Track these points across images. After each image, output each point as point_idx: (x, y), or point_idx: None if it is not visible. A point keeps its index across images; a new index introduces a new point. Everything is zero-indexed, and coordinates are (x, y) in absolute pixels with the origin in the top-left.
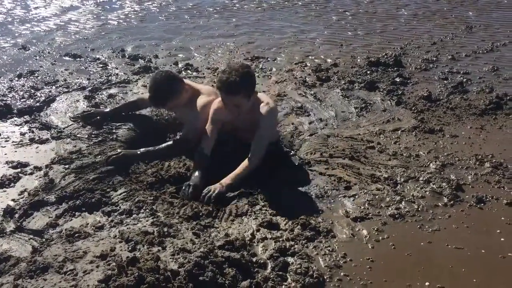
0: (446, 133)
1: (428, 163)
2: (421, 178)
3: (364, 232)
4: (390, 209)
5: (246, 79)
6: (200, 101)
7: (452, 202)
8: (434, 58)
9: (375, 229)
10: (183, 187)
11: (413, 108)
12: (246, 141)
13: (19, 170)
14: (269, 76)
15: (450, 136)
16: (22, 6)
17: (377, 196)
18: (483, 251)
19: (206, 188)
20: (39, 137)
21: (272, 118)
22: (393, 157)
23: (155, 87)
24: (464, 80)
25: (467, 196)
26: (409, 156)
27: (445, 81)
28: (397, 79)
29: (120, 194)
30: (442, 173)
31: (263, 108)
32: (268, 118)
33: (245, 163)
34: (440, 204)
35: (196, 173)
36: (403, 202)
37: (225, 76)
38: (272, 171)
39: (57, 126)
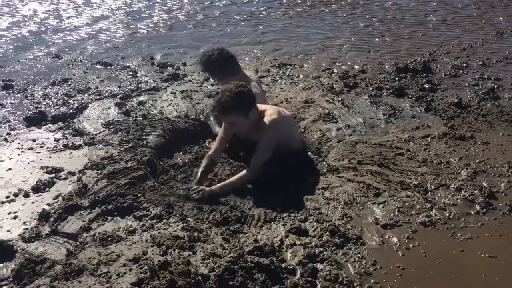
0: (477, 140)
1: (460, 170)
2: (452, 186)
3: (394, 239)
4: (420, 216)
5: (237, 99)
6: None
7: (484, 210)
8: (464, 64)
9: (406, 236)
10: (182, 191)
11: (443, 115)
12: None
13: (53, 175)
14: (296, 83)
15: (482, 143)
16: (55, 16)
17: (407, 203)
18: None
19: (197, 186)
20: (72, 143)
21: (272, 132)
22: (423, 164)
23: (212, 56)
24: (496, 86)
25: (500, 204)
26: (440, 163)
27: (475, 87)
28: (426, 86)
29: (151, 199)
30: (474, 180)
31: (265, 122)
32: (267, 132)
33: (240, 173)
34: (472, 212)
35: (197, 177)
36: (434, 210)
37: (218, 97)
38: (300, 177)
39: (89, 132)
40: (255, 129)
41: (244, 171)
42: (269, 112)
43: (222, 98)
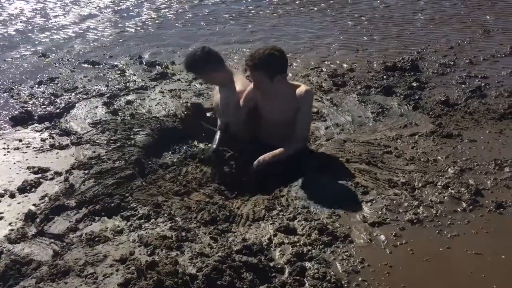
0: (464, 138)
1: (446, 168)
2: (439, 183)
3: (382, 237)
4: (408, 214)
5: (268, 58)
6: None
7: (471, 207)
8: (452, 63)
9: (393, 234)
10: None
11: (430, 113)
12: (270, 140)
13: (40, 175)
14: None
15: (469, 140)
16: (42, 14)
17: (394, 201)
18: (503, 256)
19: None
20: (59, 143)
21: (311, 98)
22: (410, 162)
23: (194, 55)
24: (482, 84)
25: (486, 201)
26: (427, 161)
27: (463, 86)
28: (414, 84)
29: (138, 199)
30: (460, 178)
31: (301, 91)
32: (306, 97)
33: (289, 144)
34: (459, 209)
35: (216, 141)
36: (421, 207)
37: (253, 52)
38: (288, 176)
39: (76, 132)
40: (284, 99)
41: (293, 141)
42: (302, 85)
43: (255, 54)
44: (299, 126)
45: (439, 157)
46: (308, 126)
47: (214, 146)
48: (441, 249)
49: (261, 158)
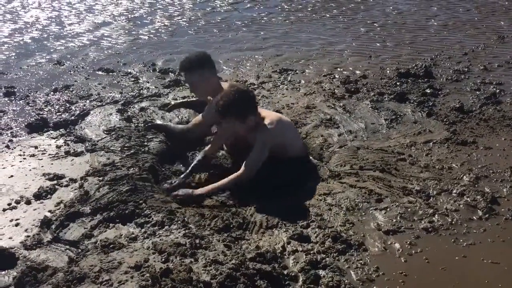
0: (479, 145)
1: (462, 176)
2: (454, 191)
3: (397, 245)
4: (423, 222)
5: (235, 103)
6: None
7: (487, 215)
8: (466, 69)
9: (408, 242)
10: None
11: (444, 120)
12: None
13: (55, 182)
14: (298, 89)
15: (484, 148)
16: (57, 22)
17: (409, 209)
18: None
19: (180, 190)
20: (74, 150)
21: (266, 133)
22: (425, 170)
23: (192, 56)
24: (497, 90)
25: (502, 210)
26: (442, 168)
27: (477, 92)
28: (428, 90)
29: (152, 206)
30: (476, 185)
31: (261, 125)
32: (261, 133)
33: (233, 175)
34: (474, 217)
35: (187, 171)
36: (436, 215)
37: (218, 99)
38: (302, 183)
39: (91, 139)
40: (254, 132)
41: (238, 173)
42: (268, 117)
43: (221, 101)
44: (249, 157)
45: (454, 165)
46: (256, 161)
47: (187, 171)
48: (457, 257)
49: (196, 194)
